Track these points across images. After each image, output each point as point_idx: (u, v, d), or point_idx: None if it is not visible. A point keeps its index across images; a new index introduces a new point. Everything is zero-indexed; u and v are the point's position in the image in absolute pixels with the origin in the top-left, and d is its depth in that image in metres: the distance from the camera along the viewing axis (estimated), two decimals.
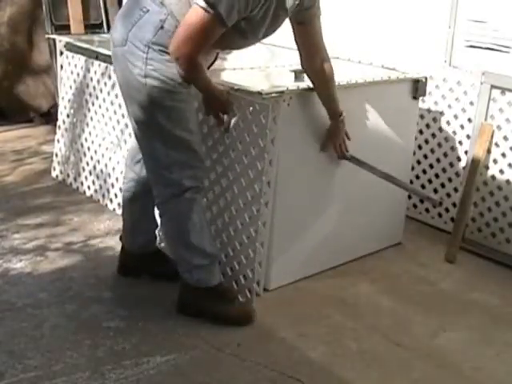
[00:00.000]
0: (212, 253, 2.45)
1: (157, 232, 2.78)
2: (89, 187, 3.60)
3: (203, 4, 2.07)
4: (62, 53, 3.79)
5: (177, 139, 2.29)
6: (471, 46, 3.31)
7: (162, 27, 2.18)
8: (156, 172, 2.37)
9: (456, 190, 3.35)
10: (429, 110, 3.41)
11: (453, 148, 3.36)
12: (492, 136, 3.11)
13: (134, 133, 2.43)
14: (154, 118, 2.26)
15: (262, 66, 3.14)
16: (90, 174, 3.58)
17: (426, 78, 3.03)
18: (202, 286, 2.45)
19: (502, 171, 3.11)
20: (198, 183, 2.38)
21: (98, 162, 3.51)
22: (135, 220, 2.67)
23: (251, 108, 2.49)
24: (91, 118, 3.56)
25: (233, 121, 2.48)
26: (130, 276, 2.75)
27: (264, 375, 2.18)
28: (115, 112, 3.36)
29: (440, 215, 3.44)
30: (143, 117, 2.28)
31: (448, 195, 3.40)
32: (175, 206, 2.38)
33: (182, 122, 2.28)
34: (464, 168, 3.27)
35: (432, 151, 3.45)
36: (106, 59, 3.26)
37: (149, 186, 2.46)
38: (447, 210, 3.40)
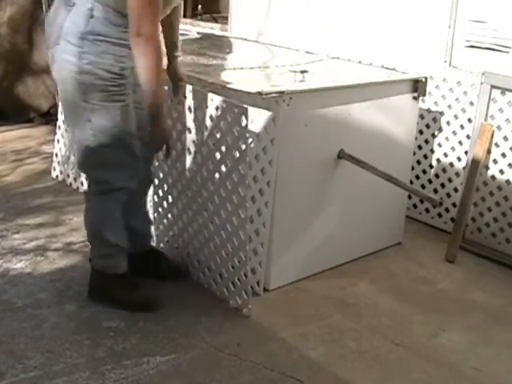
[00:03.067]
0: (119, 244, 2.51)
1: (152, 231, 2.78)
2: None
3: None
4: None
5: (114, 137, 2.31)
6: (471, 46, 3.31)
7: (91, 16, 2.21)
8: (90, 168, 2.42)
9: (456, 190, 3.35)
10: (429, 110, 3.41)
11: (453, 148, 3.36)
12: (492, 136, 3.11)
13: (69, 130, 2.43)
14: (90, 114, 2.27)
15: (262, 66, 3.14)
16: None
17: (426, 78, 3.03)
18: (108, 272, 2.52)
19: (502, 171, 3.11)
20: (129, 184, 2.41)
21: None
22: (128, 219, 2.67)
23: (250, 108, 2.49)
24: None
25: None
26: None
27: (264, 375, 2.18)
28: None
29: (440, 215, 3.44)
30: (78, 113, 2.29)
31: (448, 195, 3.40)
32: (100, 201, 2.45)
33: (121, 119, 2.30)
34: (464, 168, 3.27)
35: (432, 151, 3.45)
36: None
37: (140, 185, 2.49)
38: (447, 210, 3.40)
